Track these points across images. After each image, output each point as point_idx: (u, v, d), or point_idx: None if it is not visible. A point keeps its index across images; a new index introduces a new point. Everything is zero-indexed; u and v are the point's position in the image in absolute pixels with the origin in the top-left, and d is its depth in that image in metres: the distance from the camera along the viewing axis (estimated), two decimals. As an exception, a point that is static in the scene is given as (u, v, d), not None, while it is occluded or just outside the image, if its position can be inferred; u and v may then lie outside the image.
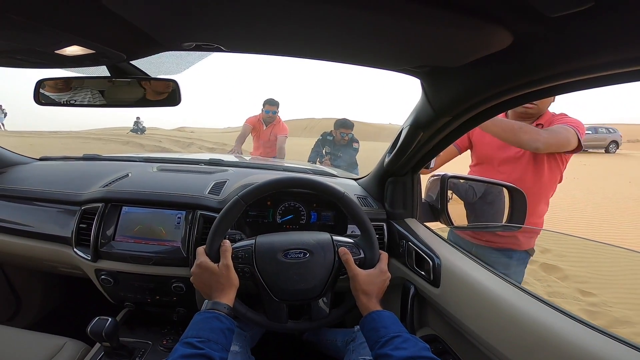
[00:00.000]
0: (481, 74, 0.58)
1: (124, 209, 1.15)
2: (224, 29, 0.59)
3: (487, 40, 0.46)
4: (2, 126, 22.14)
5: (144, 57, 0.76)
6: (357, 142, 3.54)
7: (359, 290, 0.86)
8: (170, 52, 0.84)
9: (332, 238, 0.93)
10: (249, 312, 0.89)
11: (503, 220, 1.14)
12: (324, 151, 3.57)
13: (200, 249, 0.88)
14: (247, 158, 2.57)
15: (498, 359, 0.71)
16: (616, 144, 16.59)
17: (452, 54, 0.53)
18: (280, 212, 1.25)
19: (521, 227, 1.10)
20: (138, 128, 21.57)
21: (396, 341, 0.72)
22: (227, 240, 0.88)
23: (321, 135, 3.64)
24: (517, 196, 1.13)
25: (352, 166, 3.48)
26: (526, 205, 1.11)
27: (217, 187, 1.23)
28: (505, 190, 1.15)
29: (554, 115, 1.50)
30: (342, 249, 0.90)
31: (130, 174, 1.32)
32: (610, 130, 16.92)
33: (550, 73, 0.50)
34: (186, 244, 1.10)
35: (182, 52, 0.88)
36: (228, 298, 0.82)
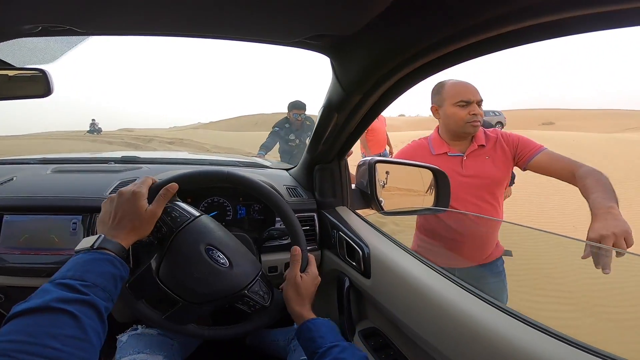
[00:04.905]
0: (380, 40, 0.53)
1: (5, 217, 0.99)
2: (70, 6, 0.48)
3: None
4: None
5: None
6: (312, 121, 3.57)
7: (296, 294, 0.81)
8: (39, 38, 0.70)
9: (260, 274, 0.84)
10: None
11: (430, 204, 1.12)
12: (295, 140, 3.56)
13: (149, 179, 0.78)
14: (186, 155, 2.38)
15: (432, 351, 0.68)
16: (501, 124, 18.90)
17: (343, 16, 0.47)
18: (203, 208, 1.14)
19: (447, 210, 1.10)
20: (95, 129, 22.15)
21: (334, 351, 0.69)
22: (176, 185, 0.77)
23: (276, 127, 3.59)
24: (441, 178, 1.12)
25: None
26: (449, 187, 1.10)
27: (122, 187, 1.10)
28: (430, 173, 1.14)
29: (489, 130, 1.41)
30: (295, 248, 0.84)
31: (15, 178, 1.15)
32: (496, 113, 19.80)
33: (442, 36, 0.45)
34: None
35: (52, 38, 0.75)
36: (127, 241, 0.69)
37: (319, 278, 0.87)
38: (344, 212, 1.09)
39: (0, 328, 0.46)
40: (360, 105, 0.76)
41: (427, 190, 1.19)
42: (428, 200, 1.17)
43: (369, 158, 1.11)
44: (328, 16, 0.48)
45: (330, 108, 0.80)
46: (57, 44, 0.76)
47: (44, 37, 0.70)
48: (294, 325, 1.04)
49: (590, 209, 1.01)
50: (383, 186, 1.18)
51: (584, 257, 0.87)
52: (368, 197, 1.12)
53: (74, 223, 0.99)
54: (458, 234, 1.42)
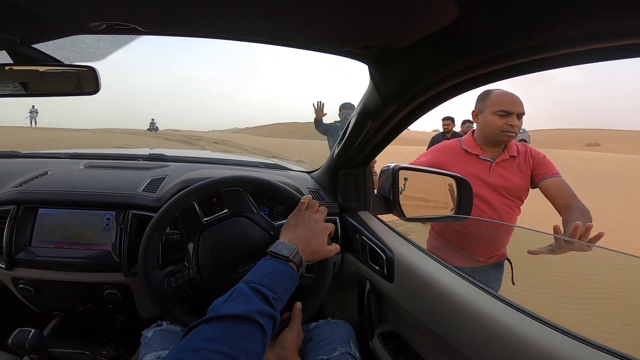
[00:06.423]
0: (427, 55, 0.55)
1: (41, 210, 1.01)
2: (139, 4, 0.50)
3: (431, 14, 0.42)
4: (34, 123, 26.61)
5: (45, 41, 0.64)
6: None
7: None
8: (87, 35, 0.73)
9: None
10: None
11: (452, 211, 1.14)
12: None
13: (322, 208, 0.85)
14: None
15: (455, 355, 0.69)
16: (525, 142, 19.18)
17: (398, 31, 0.49)
18: None
19: (468, 217, 1.11)
20: (153, 127, 26.20)
21: None
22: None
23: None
24: (464, 186, 1.14)
25: None
26: (472, 195, 1.12)
27: (154, 184, 1.12)
28: (453, 181, 1.16)
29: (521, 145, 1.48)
30: (298, 304, 0.86)
31: (49, 172, 1.17)
32: (520, 130, 19.91)
33: (496, 54, 0.47)
34: (118, 248, 0.99)
35: (100, 35, 0.78)
36: (303, 260, 0.73)
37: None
38: (367, 216, 1.11)
39: (204, 324, 0.52)
40: (394, 115, 0.78)
41: (447, 198, 1.21)
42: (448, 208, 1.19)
43: (392, 164, 1.13)
44: (385, 28, 0.50)
45: (365, 115, 0.82)
46: (106, 43, 0.79)
47: (96, 35, 0.73)
48: (309, 326, 1.06)
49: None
50: (400, 193, 1.20)
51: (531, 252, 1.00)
52: (390, 203, 1.14)
53: (107, 218, 1.01)
54: (471, 233, 1.47)
